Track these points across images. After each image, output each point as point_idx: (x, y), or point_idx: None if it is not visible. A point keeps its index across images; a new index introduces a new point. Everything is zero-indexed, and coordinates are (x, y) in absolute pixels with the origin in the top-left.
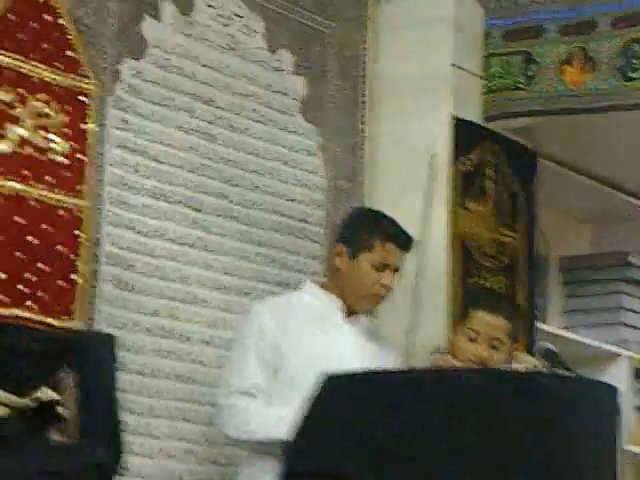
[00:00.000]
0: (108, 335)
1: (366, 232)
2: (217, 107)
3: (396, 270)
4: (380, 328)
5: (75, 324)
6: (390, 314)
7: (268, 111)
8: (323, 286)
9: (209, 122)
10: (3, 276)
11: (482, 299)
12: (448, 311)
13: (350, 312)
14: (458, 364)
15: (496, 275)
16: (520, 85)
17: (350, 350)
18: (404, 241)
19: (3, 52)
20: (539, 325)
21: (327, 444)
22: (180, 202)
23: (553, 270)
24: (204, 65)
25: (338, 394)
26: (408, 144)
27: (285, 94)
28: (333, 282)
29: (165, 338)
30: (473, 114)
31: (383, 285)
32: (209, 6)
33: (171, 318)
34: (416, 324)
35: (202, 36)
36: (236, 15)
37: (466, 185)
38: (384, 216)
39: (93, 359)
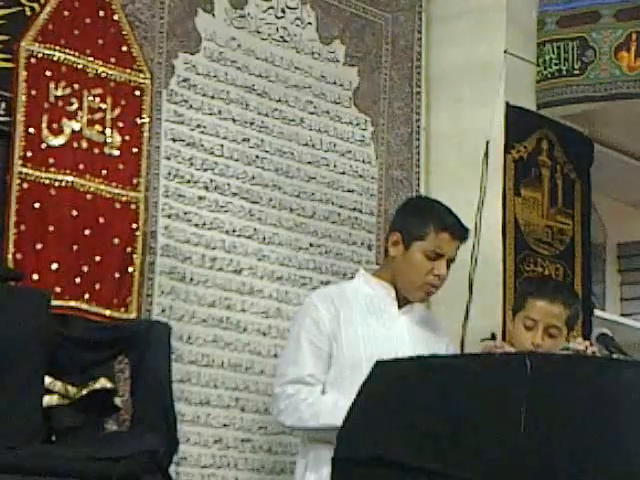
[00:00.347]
0: (164, 325)
1: (420, 221)
2: (271, 99)
3: (450, 260)
4: (434, 316)
5: (131, 315)
6: (445, 302)
7: (321, 102)
8: (377, 275)
9: (263, 114)
10: (61, 268)
11: (538, 287)
12: (503, 299)
13: (404, 301)
14: (511, 351)
15: (552, 262)
16: (575, 71)
17: (404, 338)
18: (459, 231)
19: (59, 48)
20: (596, 312)
21: (379, 430)
22: (235, 194)
23: (609, 257)
24: (257, 58)
25: (389, 380)
26: (462, 133)
27: (338, 85)
28: (387, 271)
29: (221, 329)
30: (527, 101)
31: (436, 275)
32: None
33: (227, 309)
34: (471, 312)
35: (255, 29)
36: (288, 7)
37: (521, 172)
38: (439, 205)
39: (149, 350)
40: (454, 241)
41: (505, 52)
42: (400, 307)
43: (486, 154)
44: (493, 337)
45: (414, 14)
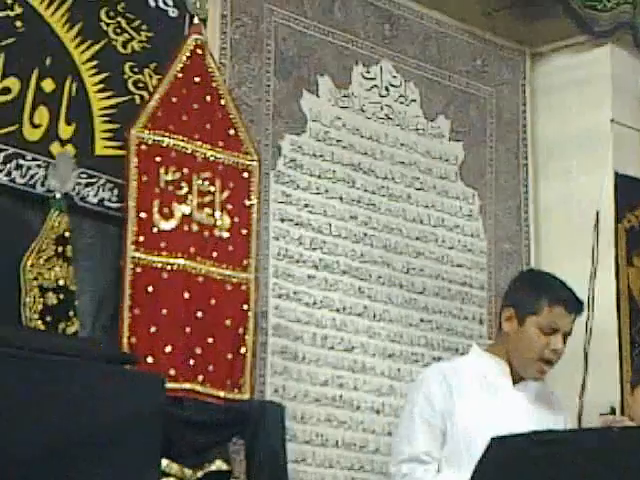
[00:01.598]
0: (277, 406)
1: (533, 296)
2: (377, 176)
3: (567, 334)
4: (550, 391)
5: (245, 396)
6: (560, 376)
7: (428, 178)
8: (490, 350)
9: (370, 191)
10: (175, 351)
11: None
12: (620, 371)
13: (519, 377)
14: (632, 425)
15: None
16: None
17: (519, 414)
18: (574, 304)
19: (168, 134)
20: None
21: None
22: (344, 272)
23: None
24: (362, 136)
25: (506, 457)
26: (571, 203)
27: (444, 160)
28: (501, 346)
29: (334, 407)
30: (636, 169)
31: (552, 350)
32: (365, 78)
33: (339, 387)
34: (587, 385)
35: (359, 107)
36: (392, 85)
37: (633, 242)
38: (552, 278)
39: (263, 430)
40: (569, 315)
41: (612, 121)
42: (515, 383)
43: (596, 224)
44: (613, 411)
45: (518, 87)
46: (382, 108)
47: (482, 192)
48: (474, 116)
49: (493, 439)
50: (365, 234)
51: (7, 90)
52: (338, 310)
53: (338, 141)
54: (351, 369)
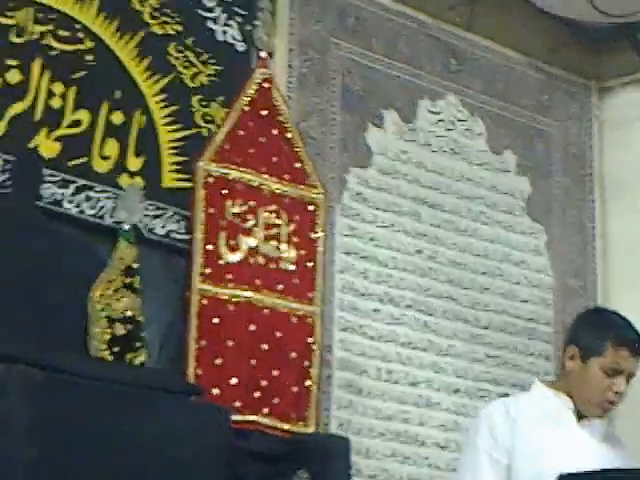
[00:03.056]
0: (343, 439)
1: (597, 335)
2: (442, 210)
3: (630, 375)
4: (614, 429)
5: (310, 429)
6: (627, 415)
7: (494, 212)
8: (554, 386)
9: (435, 226)
10: (240, 383)
11: None
12: None
13: (583, 414)
14: None
15: None
16: None
17: (585, 452)
18: (638, 346)
19: (235, 167)
20: None
21: None
22: (409, 306)
23: None
24: (428, 170)
25: None
26: (639, 239)
27: (510, 195)
28: (564, 382)
29: (399, 442)
30: None
31: (615, 392)
32: (430, 112)
33: (404, 422)
34: None
35: (425, 142)
36: (458, 119)
37: None
38: (617, 318)
39: (328, 464)
40: (634, 357)
41: None
42: (579, 419)
43: None
44: None
45: (585, 121)
46: (448, 142)
47: (548, 227)
48: (540, 150)
49: (562, 476)
50: (430, 268)
51: (78, 122)
52: (403, 344)
53: (404, 175)
54: (416, 404)
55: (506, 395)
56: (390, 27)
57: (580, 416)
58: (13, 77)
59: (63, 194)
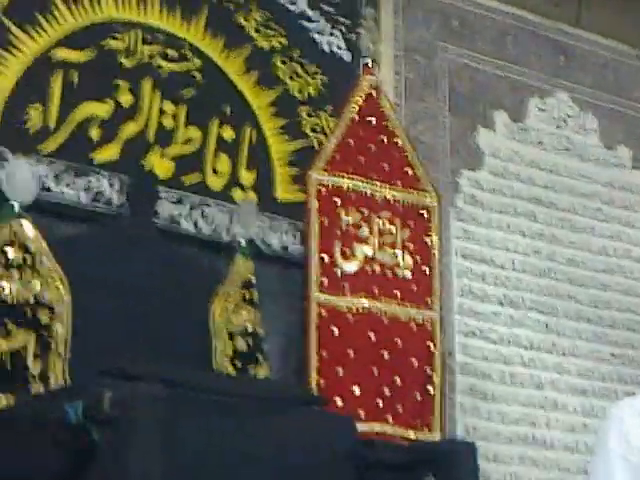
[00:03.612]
0: (469, 445)
1: None
2: (558, 209)
3: None
4: None
5: (435, 436)
6: None
7: (611, 209)
8: None
9: (552, 225)
10: (363, 392)
11: None
12: None
13: None
14: None
15: None
16: None
17: None
18: None
19: (347, 176)
20: None
21: None
22: (530, 307)
23: None
24: (541, 169)
25: None
26: None
27: (627, 190)
28: None
29: (526, 446)
30: None
31: None
32: (540, 110)
33: (531, 425)
34: None
35: (537, 140)
36: (568, 116)
37: None
38: None
39: (455, 470)
40: None
41: None
42: None
43: None
44: None
45: None
46: (560, 140)
47: None
48: None
49: None
50: (549, 268)
51: (189, 140)
52: (526, 347)
53: (516, 175)
54: (542, 407)
55: (634, 394)
56: (495, 27)
57: None
58: (125, 99)
59: (179, 212)
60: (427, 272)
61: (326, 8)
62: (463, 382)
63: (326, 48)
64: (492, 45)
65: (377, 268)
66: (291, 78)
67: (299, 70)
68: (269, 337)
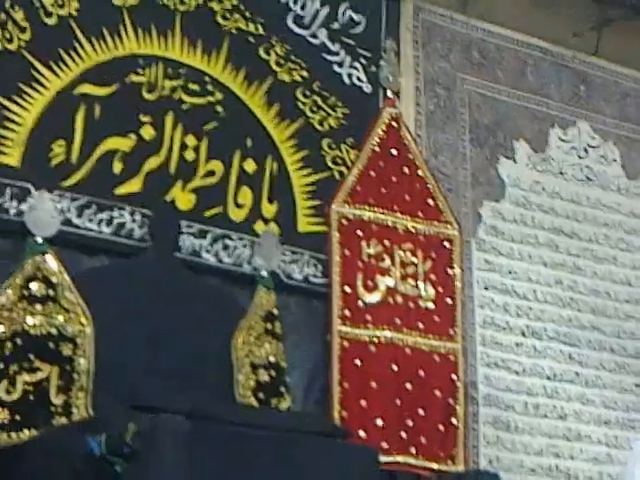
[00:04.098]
0: (493, 476)
1: None
2: (580, 239)
3: None
4: None
5: (459, 468)
6: None
7: (633, 238)
8: None
9: (574, 255)
10: (386, 424)
11: None
12: None
13: None
14: None
15: None
16: None
17: None
18: None
19: (368, 207)
20: None
21: None
22: (552, 338)
23: None
24: (563, 199)
25: None
26: None
27: None
28: None
29: (550, 477)
30: None
31: None
32: (562, 140)
33: (555, 457)
34: None
35: (558, 170)
36: (591, 146)
37: None
38: None
39: None
40: None
41: None
42: None
43: None
44: None
45: None
46: (582, 170)
47: None
48: None
49: None
50: (572, 299)
51: (211, 173)
52: (549, 377)
53: (538, 205)
54: (566, 437)
55: None
56: (515, 57)
57: None
58: (147, 133)
59: (201, 245)
60: (449, 303)
61: (347, 41)
62: (486, 413)
63: (347, 80)
64: (512, 75)
65: (399, 299)
66: (312, 110)
67: (320, 102)
68: (292, 369)
